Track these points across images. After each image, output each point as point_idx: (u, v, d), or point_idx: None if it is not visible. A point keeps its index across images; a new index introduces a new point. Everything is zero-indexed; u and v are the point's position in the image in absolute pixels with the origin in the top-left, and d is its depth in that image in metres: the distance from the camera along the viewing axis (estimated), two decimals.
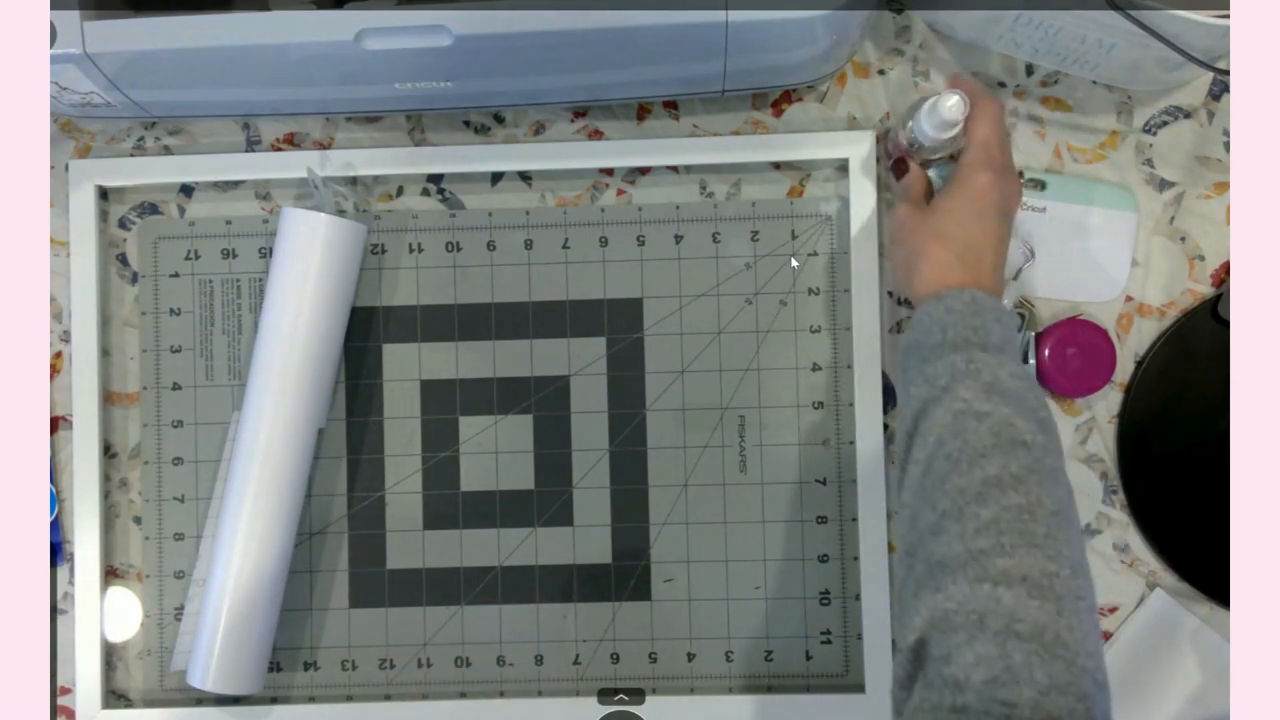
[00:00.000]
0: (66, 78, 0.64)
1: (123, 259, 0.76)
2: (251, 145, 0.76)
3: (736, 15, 0.60)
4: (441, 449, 0.74)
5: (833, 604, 0.73)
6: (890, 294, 0.73)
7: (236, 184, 0.76)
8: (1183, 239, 0.73)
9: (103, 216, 0.76)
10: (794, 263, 0.74)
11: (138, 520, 0.75)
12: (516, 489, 0.74)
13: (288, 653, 0.74)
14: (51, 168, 0.75)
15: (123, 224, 0.76)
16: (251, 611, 0.69)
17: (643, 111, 0.75)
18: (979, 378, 0.55)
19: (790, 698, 0.72)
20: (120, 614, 0.74)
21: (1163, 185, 0.73)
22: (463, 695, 0.73)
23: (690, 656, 0.73)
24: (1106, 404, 0.73)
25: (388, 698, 0.74)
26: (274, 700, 0.73)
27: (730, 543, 0.73)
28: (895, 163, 0.68)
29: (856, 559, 0.72)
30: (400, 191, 0.75)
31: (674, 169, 0.75)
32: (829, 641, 0.73)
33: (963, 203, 0.62)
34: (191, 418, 0.75)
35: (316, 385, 0.70)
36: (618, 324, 0.74)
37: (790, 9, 0.60)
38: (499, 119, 0.75)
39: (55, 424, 0.75)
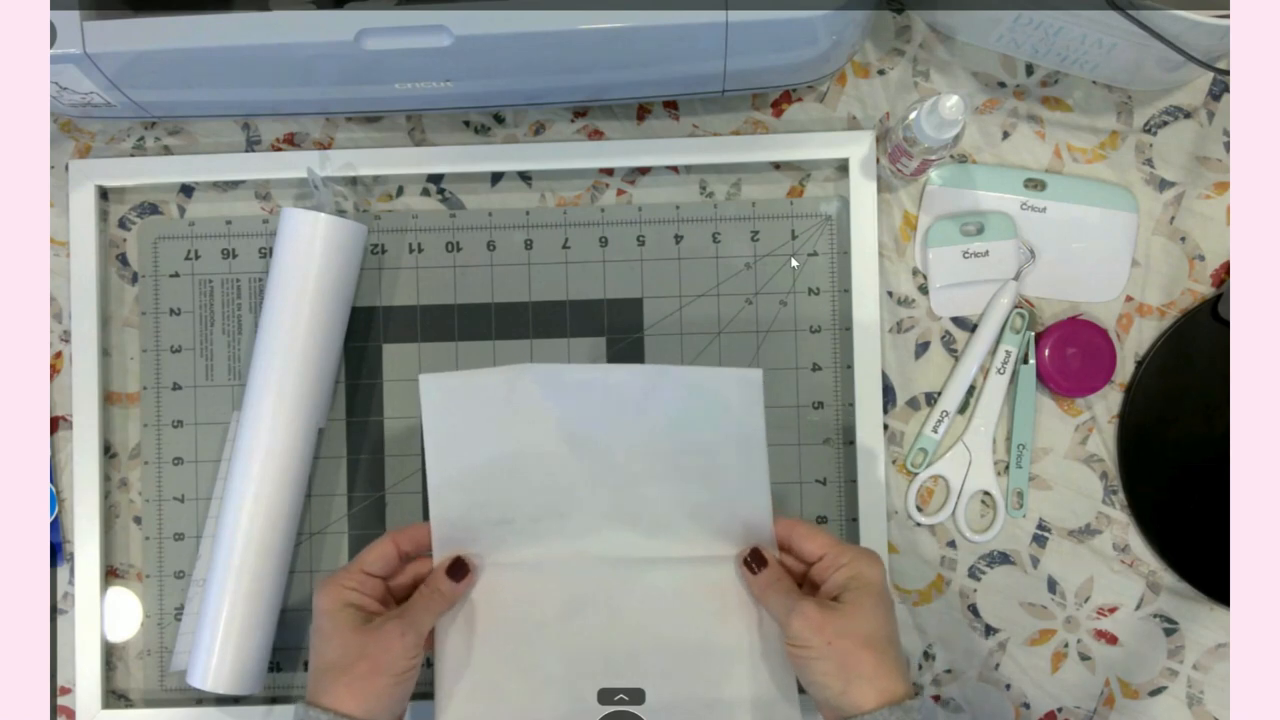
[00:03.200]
0: (66, 78, 0.64)
1: (123, 259, 0.76)
2: (251, 145, 0.76)
3: (736, 15, 0.60)
4: None
5: None
6: (890, 294, 0.73)
7: (236, 184, 0.76)
8: (1183, 239, 0.73)
9: (103, 216, 0.76)
10: (794, 263, 0.74)
11: (138, 520, 0.75)
12: None
13: (288, 653, 0.74)
14: (51, 168, 0.75)
15: (123, 224, 0.76)
16: (251, 611, 0.69)
17: (643, 111, 0.75)
18: None
19: None
20: (120, 614, 0.74)
21: (1163, 185, 0.73)
22: None
23: None
24: (1106, 404, 0.73)
25: None
26: (274, 700, 0.73)
27: None
28: (751, 556, 0.63)
29: None
30: (400, 191, 0.75)
31: (674, 169, 0.75)
32: None
33: (876, 597, 0.59)
34: (191, 418, 0.75)
35: (316, 385, 0.70)
36: (618, 324, 0.74)
37: (790, 9, 0.60)
38: (499, 119, 0.75)
39: (55, 424, 0.75)
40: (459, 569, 0.63)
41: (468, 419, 0.63)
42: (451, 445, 0.64)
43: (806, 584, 0.63)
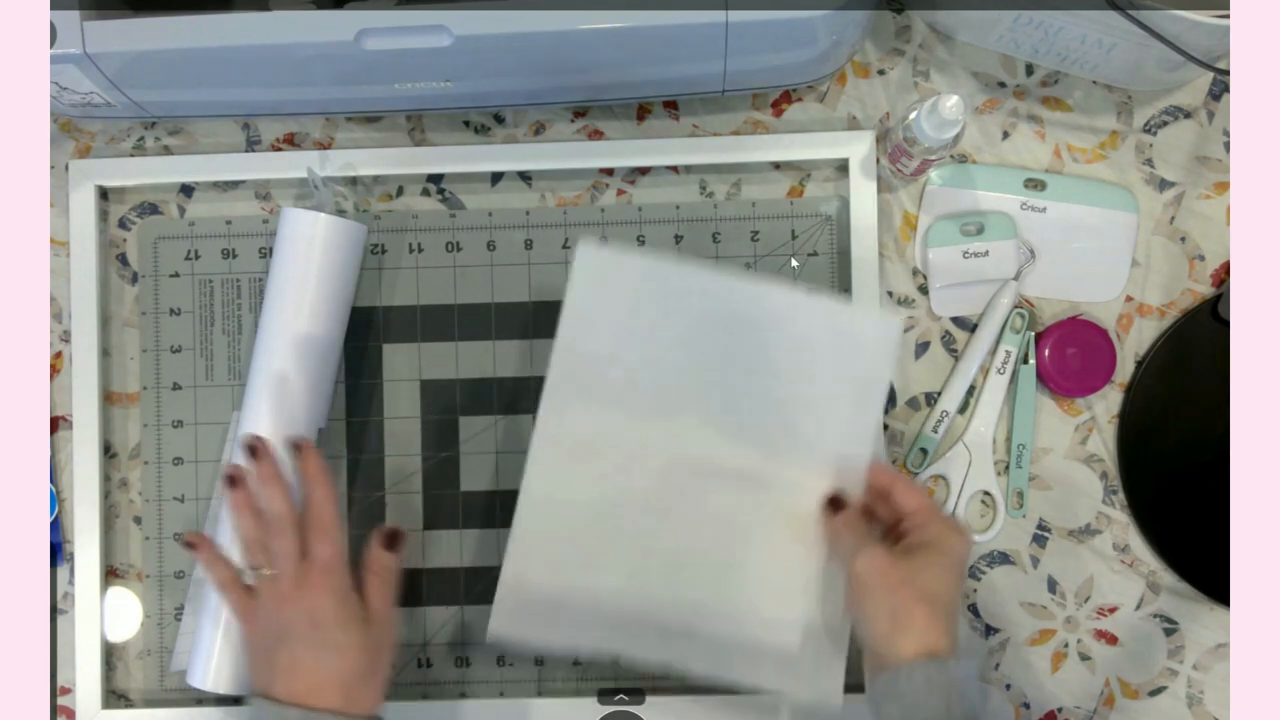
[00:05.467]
0: (66, 78, 0.64)
1: (123, 259, 0.76)
2: (251, 145, 0.76)
3: (736, 15, 0.60)
4: (441, 449, 0.74)
5: None
6: (890, 294, 0.73)
7: (236, 184, 0.76)
8: (1183, 239, 0.73)
9: (103, 216, 0.76)
10: (794, 263, 0.74)
11: (138, 520, 0.75)
12: (516, 489, 0.73)
13: None
14: (51, 168, 0.75)
15: (123, 224, 0.76)
16: None
17: (643, 111, 0.75)
18: None
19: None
20: (120, 614, 0.74)
21: (1163, 185, 0.73)
22: (462, 695, 0.73)
23: None
24: (1106, 404, 0.73)
25: (388, 698, 0.73)
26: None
27: None
28: (830, 501, 0.64)
29: None
30: (400, 191, 0.75)
31: (674, 169, 0.75)
32: None
33: (949, 563, 0.61)
34: (191, 418, 0.75)
35: (316, 385, 0.70)
36: None
37: (790, 9, 0.60)
38: (499, 119, 0.75)
39: (55, 424, 0.75)
40: (394, 539, 0.66)
41: (609, 297, 0.66)
42: (587, 319, 0.66)
43: (891, 538, 0.63)
